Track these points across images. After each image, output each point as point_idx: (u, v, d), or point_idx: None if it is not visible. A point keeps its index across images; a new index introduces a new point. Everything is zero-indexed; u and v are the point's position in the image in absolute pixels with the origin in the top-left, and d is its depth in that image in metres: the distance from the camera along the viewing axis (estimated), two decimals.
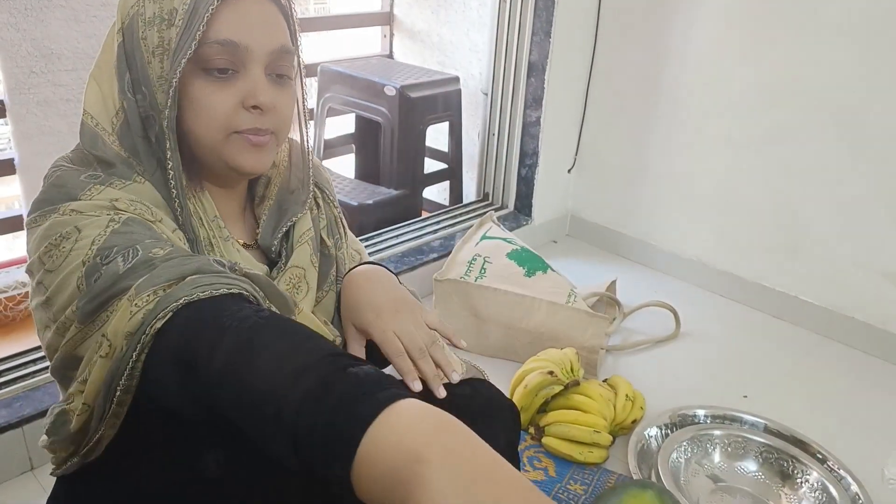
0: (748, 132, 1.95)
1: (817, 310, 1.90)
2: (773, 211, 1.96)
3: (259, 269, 0.80)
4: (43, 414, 1.26)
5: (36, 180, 0.79)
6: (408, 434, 0.49)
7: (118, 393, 0.60)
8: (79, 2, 1.26)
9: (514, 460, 1.03)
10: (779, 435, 1.42)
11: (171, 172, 0.70)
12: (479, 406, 0.98)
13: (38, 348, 1.39)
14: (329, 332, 0.85)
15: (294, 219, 0.82)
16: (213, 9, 0.66)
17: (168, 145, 0.69)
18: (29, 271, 0.68)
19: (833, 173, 1.83)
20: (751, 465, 1.39)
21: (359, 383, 0.53)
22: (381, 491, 0.48)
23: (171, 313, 0.58)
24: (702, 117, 2.03)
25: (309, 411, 0.52)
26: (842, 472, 1.32)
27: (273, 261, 0.84)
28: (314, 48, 2.98)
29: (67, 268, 0.62)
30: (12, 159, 1.44)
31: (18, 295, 1.60)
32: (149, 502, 0.71)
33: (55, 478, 0.76)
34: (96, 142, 0.72)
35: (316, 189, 0.88)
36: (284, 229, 0.81)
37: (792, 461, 1.36)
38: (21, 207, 1.74)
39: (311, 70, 2.19)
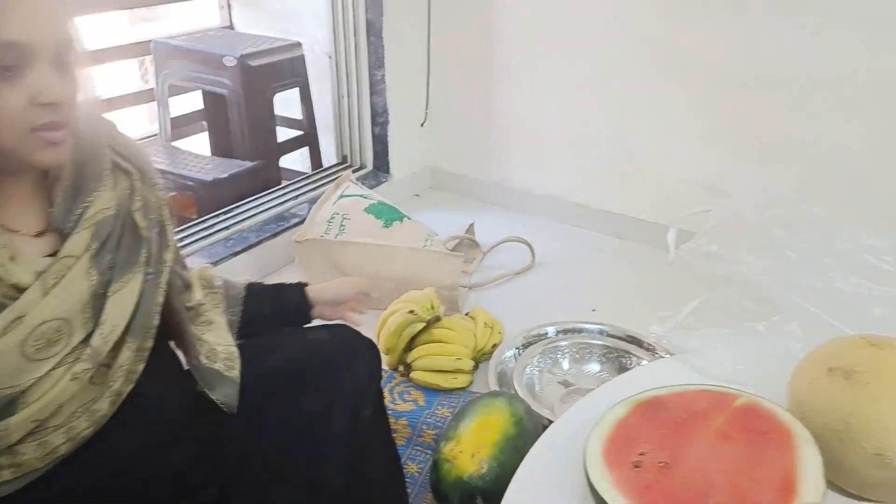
0: (579, 70, 2.10)
1: (652, 226, 2.10)
2: (610, 141, 2.13)
3: (38, 264, 0.75)
4: None
5: None
6: None
7: None
8: None
9: (378, 394, 1.09)
10: (615, 336, 1.59)
11: None
12: (338, 347, 1.04)
13: None
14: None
15: (89, 199, 0.79)
16: None
17: None
18: None
19: (655, 102, 2.01)
20: (595, 367, 1.55)
21: None
22: None
23: None
24: (535, 60, 2.16)
25: None
26: (666, 355, 1.49)
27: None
28: (150, 26, 2.88)
29: None
30: None
31: None
32: None
33: None
34: None
35: (135, 170, 0.86)
36: (79, 211, 0.78)
37: (628, 356, 1.53)
38: None
39: (143, 48, 2.15)
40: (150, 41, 2.10)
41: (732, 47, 1.85)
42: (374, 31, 2.15)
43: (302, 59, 2.25)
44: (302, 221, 2.01)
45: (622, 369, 1.53)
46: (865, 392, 0.57)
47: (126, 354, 0.79)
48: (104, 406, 0.78)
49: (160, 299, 0.84)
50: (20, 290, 0.72)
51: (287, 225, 2.01)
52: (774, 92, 1.83)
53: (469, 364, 1.56)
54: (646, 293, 1.91)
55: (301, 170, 2.55)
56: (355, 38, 2.17)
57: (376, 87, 2.24)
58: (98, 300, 0.78)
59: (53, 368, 0.74)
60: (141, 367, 0.82)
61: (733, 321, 0.79)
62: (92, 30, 2.60)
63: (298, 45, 2.24)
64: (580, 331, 1.63)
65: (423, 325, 1.59)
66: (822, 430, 0.58)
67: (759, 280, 0.74)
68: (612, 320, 1.68)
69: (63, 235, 0.78)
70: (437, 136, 2.46)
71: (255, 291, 1.12)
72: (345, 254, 1.80)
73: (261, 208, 2.05)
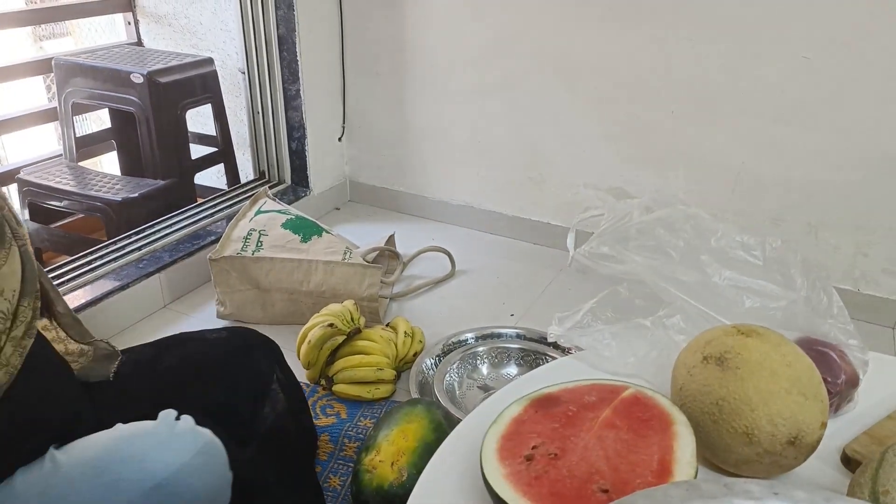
0: (486, 81, 2.15)
1: (563, 230, 2.17)
2: (520, 150, 2.19)
3: None
4: None
5: None
6: None
7: None
8: None
9: (293, 382, 1.14)
10: (531, 339, 1.63)
11: None
12: (235, 345, 1.09)
13: None
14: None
15: None
16: None
17: None
18: None
19: (557, 110, 2.08)
20: (513, 370, 1.59)
21: None
22: None
23: None
24: (446, 72, 2.21)
25: None
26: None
27: None
28: (56, 43, 2.79)
29: None
30: None
31: None
32: None
33: None
34: None
35: None
36: None
37: (544, 357, 1.57)
38: None
39: (46, 65, 2.07)
40: (51, 58, 2.03)
41: (625, 58, 1.95)
42: (286, 46, 2.15)
43: (214, 74, 2.23)
44: (216, 239, 1.98)
45: None
46: (734, 376, 0.62)
47: (23, 310, 0.84)
48: (10, 352, 0.82)
49: (36, 266, 0.89)
50: None
51: (203, 243, 1.98)
52: (663, 100, 1.94)
53: (391, 374, 1.57)
54: (559, 295, 1.98)
55: (218, 187, 2.51)
56: (267, 54, 2.16)
57: (292, 102, 2.24)
58: None
59: None
60: (35, 323, 0.87)
61: (625, 318, 0.84)
62: None
63: (210, 60, 2.21)
64: (498, 336, 1.67)
65: (344, 337, 1.60)
66: (699, 414, 0.63)
67: (646, 278, 0.79)
68: (529, 323, 1.73)
69: None
70: (355, 149, 2.47)
71: None
72: (262, 270, 1.78)
73: (174, 227, 2.01)
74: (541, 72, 2.06)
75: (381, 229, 2.31)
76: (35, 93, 2.79)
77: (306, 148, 2.31)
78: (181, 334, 1.15)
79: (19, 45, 2.91)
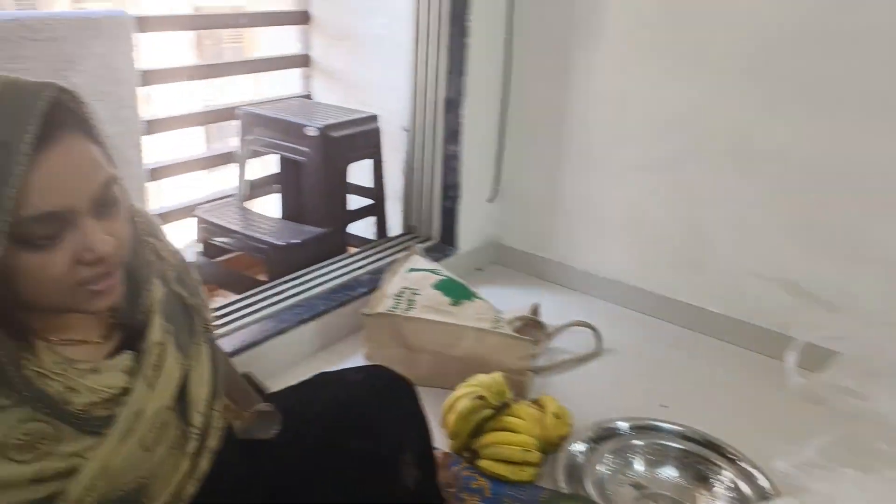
0: (650, 157, 2.09)
1: (722, 318, 2.04)
2: (678, 229, 2.10)
3: (120, 364, 0.75)
4: None
5: None
6: None
7: None
8: None
9: (425, 430, 1.12)
10: (694, 440, 1.52)
11: None
12: (377, 386, 1.08)
13: None
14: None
15: (149, 287, 0.78)
16: (20, 179, 0.59)
17: None
18: None
19: (728, 193, 1.98)
20: (671, 471, 1.48)
21: None
22: None
23: None
24: (608, 145, 2.17)
25: None
26: (751, 469, 1.42)
27: (133, 335, 0.78)
28: (235, 87, 2.99)
29: None
30: None
31: None
32: None
33: None
34: None
35: (153, 241, 0.85)
36: (143, 300, 0.77)
37: (707, 464, 1.46)
38: None
39: (229, 113, 2.22)
40: (234, 107, 2.17)
41: (812, 144, 1.82)
42: (452, 109, 2.19)
43: (377, 131, 2.30)
44: (366, 291, 2.02)
45: (700, 477, 1.46)
46: None
47: (216, 416, 0.84)
48: (204, 465, 0.81)
49: (224, 358, 0.90)
50: (114, 393, 0.73)
51: (353, 294, 2.01)
52: (856, 192, 1.79)
53: (537, 456, 1.51)
54: (723, 395, 1.82)
55: (365, 237, 2.57)
56: (434, 114, 2.20)
57: (450, 162, 2.27)
58: (183, 380, 0.80)
59: (169, 452, 0.77)
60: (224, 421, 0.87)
61: (863, 462, 0.74)
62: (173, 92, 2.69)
63: (375, 118, 2.29)
64: (656, 429, 1.57)
65: (492, 411, 1.56)
66: None
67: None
68: (685, 419, 1.61)
69: (132, 329, 0.78)
70: (504, 212, 2.47)
71: None
72: (413, 330, 1.79)
73: (329, 276, 2.06)
74: (713, 152, 1.98)
75: (523, 294, 2.28)
76: (191, 140, 2.95)
77: (458, 207, 2.32)
78: (322, 375, 1.13)
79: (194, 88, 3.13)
